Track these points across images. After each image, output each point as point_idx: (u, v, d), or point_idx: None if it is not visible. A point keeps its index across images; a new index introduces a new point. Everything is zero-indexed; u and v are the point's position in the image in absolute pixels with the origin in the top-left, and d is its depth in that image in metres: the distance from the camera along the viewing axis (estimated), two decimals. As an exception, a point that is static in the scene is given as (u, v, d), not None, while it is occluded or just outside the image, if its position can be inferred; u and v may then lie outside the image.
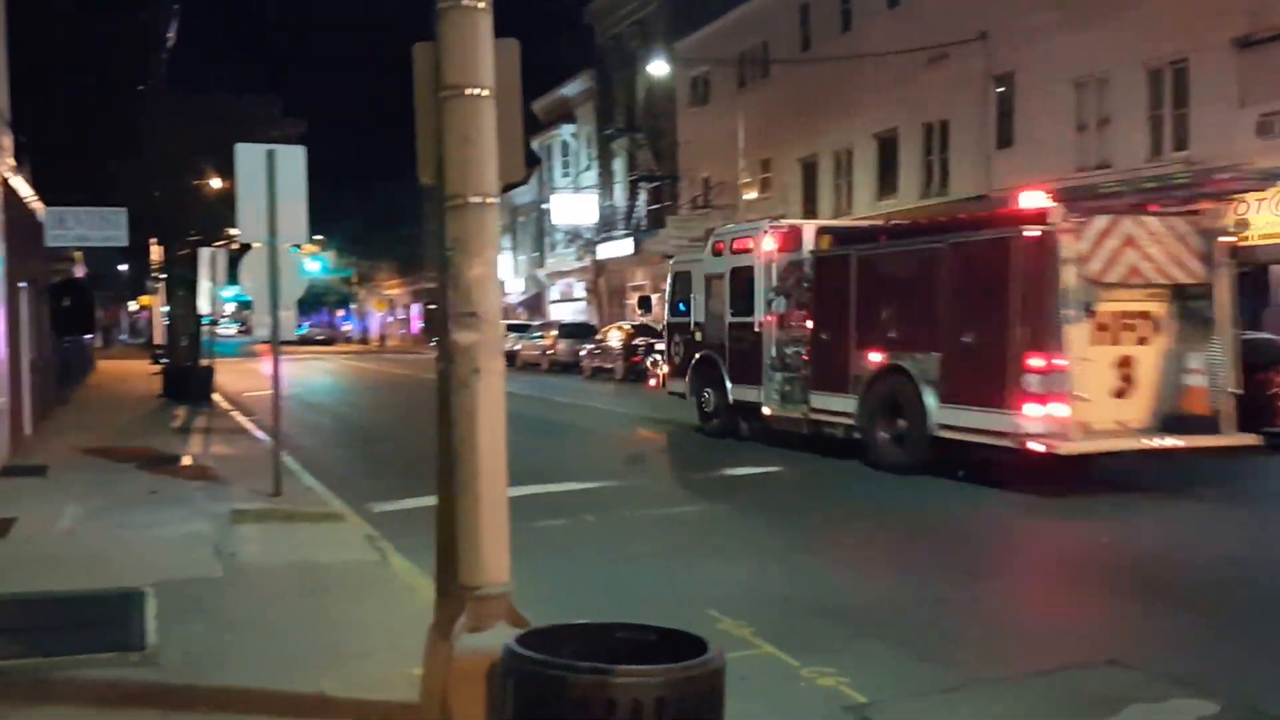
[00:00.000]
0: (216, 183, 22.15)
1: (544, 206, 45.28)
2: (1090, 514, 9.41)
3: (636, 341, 27.76)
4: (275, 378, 10.13)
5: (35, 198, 16.04)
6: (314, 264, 54.40)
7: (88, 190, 21.55)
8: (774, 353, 13.58)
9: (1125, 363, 10.32)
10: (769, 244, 13.71)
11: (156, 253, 28.92)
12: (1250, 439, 10.59)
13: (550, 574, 6.92)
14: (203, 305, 18.19)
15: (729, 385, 14.53)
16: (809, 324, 13.08)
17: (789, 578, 7.27)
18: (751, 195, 30.81)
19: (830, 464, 12.47)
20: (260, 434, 14.96)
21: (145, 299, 63.62)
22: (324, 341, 69.26)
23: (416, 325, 67.63)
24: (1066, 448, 9.71)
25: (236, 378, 28.48)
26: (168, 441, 14.26)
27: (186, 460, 12.47)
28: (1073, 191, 15.99)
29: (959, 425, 10.59)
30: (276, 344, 9.99)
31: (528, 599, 4.01)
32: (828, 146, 28.76)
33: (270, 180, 9.48)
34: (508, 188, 4.29)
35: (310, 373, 34.52)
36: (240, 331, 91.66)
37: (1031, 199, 10.51)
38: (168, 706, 4.53)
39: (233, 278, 18.43)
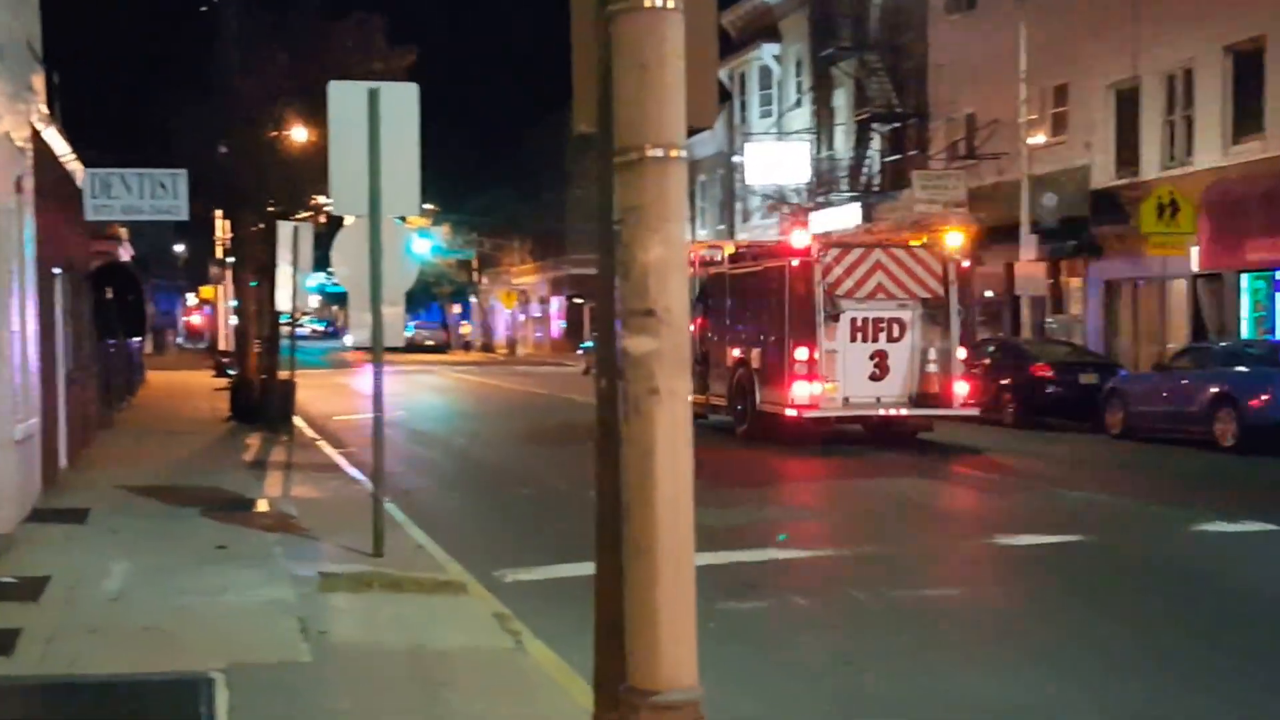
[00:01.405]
0: (302, 134, 23.00)
1: (735, 160, 45.42)
2: None
3: None
4: (377, 397, 10.55)
5: (73, 156, 16.89)
6: (423, 243, 56.53)
7: (137, 148, 23.04)
8: (695, 351, 21.29)
9: (880, 355, 19.26)
10: (694, 260, 21.81)
11: (223, 229, 30.54)
12: (972, 411, 19.81)
13: (748, 676, 6.95)
14: (282, 300, 18.66)
15: None
16: (705, 327, 22.24)
17: (1089, 695, 7.07)
18: (1038, 139, 29.98)
19: (1148, 534, 12.64)
20: (355, 472, 15.67)
21: (206, 290, 67.64)
22: (435, 348, 71.64)
23: (557, 326, 69.28)
24: (815, 414, 18.97)
25: (322, 395, 29.99)
26: (238, 480, 15.10)
27: (263, 505, 13.19)
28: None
29: (771, 400, 19.76)
30: (379, 351, 10.41)
31: (718, 710, 4.05)
32: (1155, 67, 27.68)
33: (372, 130, 9.88)
34: (691, 133, 4.34)
35: (418, 389, 35.93)
36: (318, 332, 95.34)
37: (799, 238, 20.54)
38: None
39: (319, 262, 19.39)
